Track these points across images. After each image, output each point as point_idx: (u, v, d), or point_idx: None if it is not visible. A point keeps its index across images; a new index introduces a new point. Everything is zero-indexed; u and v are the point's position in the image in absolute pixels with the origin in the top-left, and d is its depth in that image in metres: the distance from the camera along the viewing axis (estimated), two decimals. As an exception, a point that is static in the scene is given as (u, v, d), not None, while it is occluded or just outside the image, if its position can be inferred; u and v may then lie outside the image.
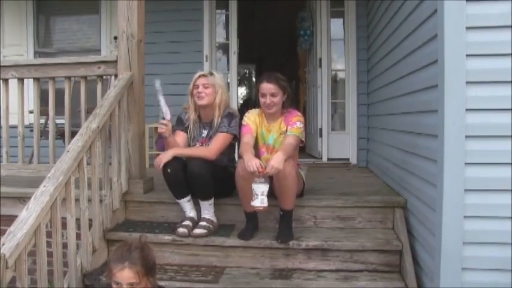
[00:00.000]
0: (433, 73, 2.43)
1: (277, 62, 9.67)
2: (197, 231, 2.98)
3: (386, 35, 3.93)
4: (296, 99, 7.97)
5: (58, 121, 3.78)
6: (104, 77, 3.72)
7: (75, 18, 6.12)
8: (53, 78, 3.57)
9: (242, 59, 6.08)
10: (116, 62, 3.41)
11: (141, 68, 3.44)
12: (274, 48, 9.96)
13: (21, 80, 3.65)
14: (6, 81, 3.66)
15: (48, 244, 2.36)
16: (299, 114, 3.12)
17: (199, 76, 3.20)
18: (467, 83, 2.22)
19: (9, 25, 6.06)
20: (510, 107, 2.19)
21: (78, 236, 2.74)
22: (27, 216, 2.19)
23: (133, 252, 1.98)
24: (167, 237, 3.02)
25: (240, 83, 13.29)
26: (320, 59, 5.55)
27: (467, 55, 2.22)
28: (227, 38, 5.81)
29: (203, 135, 3.26)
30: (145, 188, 3.46)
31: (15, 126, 3.64)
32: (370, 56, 5.08)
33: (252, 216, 3.01)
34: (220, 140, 3.14)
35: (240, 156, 2.98)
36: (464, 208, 2.25)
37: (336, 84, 5.72)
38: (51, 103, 3.59)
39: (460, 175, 2.24)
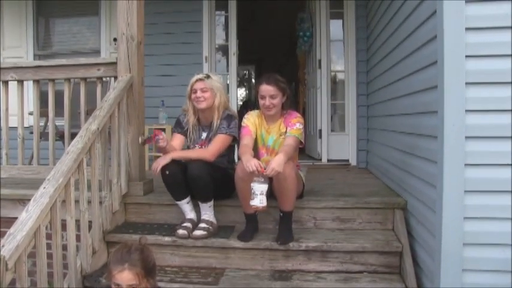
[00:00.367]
0: (433, 74, 2.43)
1: (277, 63, 9.68)
2: (197, 232, 2.98)
3: (386, 36, 3.93)
4: (295, 100, 7.97)
5: (58, 123, 3.78)
6: (104, 78, 3.73)
7: (75, 20, 6.12)
8: (53, 80, 3.57)
9: (242, 61, 6.09)
10: (115, 63, 3.42)
11: (140, 70, 3.44)
12: (274, 50, 9.96)
13: (20, 82, 3.65)
14: (6, 83, 3.66)
15: (48, 246, 2.35)
16: (299, 115, 3.12)
17: (196, 80, 3.19)
18: (466, 84, 2.22)
19: (9, 27, 6.07)
20: (510, 108, 2.20)
21: (78, 238, 2.74)
22: (27, 218, 2.19)
23: (133, 253, 1.98)
24: (167, 239, 3.02)
25: (240, 84, 13.30)
26: (319, 60, 5.56)
27: (466, 56, 2.22)
28: (227, 39, 5.81)
29: (202, 137, 3.26)
30: (145, 189, 3.46)
31: (15, 128, 3.64)
32: (369, 57, 5.08)
33: (252, 218, 3.01)
34: (219, 142, 3.14)
35: (239, 158, 2.98)
36: (464, 209, 2.25)
37: (336, 85, 5.72)
38: (51, 105, 3.59)
39: (460, 176, 2.24)
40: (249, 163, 2.68)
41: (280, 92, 3.03)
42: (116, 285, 1.95)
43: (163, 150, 3.11)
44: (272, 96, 3.01)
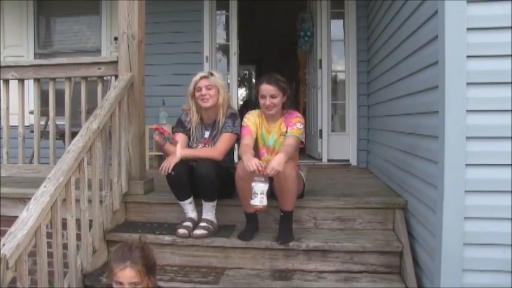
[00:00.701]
0: (434, 74, 2.43)
1: (277, 63, 9.67)
2: (197, 232, 2.98)
3: (387, 36, 3.93)
4: (296, 100, 7.97)
5: (58, 122, 3.78)
6: (104, 77, 3.73)
7: (76, 19, 6.13)
8: (54, 79, 3.57)
9: (242, 60, 6.08)
10: (116, 62, 3.42)
11: (141, 69, 3.44)
12: (274, 50, 9.96)
13: (21, 81, 3.64)
14: (6, 81, 3.66)
15: (49, 245, 2.36)
16: (299, 115, 3.12)
17: (201, 78, 3.17)
18: (467, 84, 2.22)
19: (9, 26, 6.07)
20: (510, 108, 2.20)
21: (79, 237, 2.74)
22: (28, 217, 2.19)
23: (135, 251, 1.98)
24: (167, 238, 3.02)
25: (240, 84, 13.28)
26: (320, 60, 5.56)
27: (467, 56, 2.22)
28: (227, 39, 5.81)
29: (205, 136, 3.26)
30: (146, 188, 3.46)
31: (15, 127, 3.64)
32: (370, 57, 5.08)
33: (252, 217, 3.01)
34: (226, 140, 3.13)
35: (239, 158, 2.98)
36: (464, 209, 2.25)
37: (336, 85, 5.72)
38: (52, 104, 3.59)
39: (461, 176, 2.25)
40: (250, 163, 2.68)
41: (280, 91, 3.03)
42: (117, 284, 1.95)
43: (167, 151, 3.09)
44: (272, 96, 3.01)
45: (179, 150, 3.04)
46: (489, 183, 2.25)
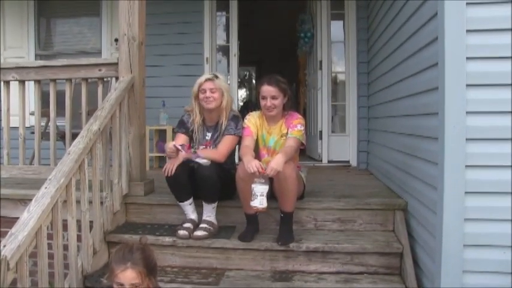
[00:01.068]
0: (434, 76, 2.43)
1: (277, 64, 9.68)
2: (198, 233, 2.99)
3: (387, 37, 3.94)
4: (296, 101, 7.98)
5: (59, 123, 3.78)
6: (105, 79, 3.73)
7: (76, 20, 6.13)
8: (54, 80, 3.57)
9: (242, 61, 6.09)
10: (116, 64, 3.42)
11: (142, 71, 3.44)
12: (274, 51, 9.97)
13: (22, 82, 3.65)
14: (7, 83, 3.67)
15: (49, 246, 2.36)
16: (300, 116, 3.13)
17: (206, 80, 3.17)
18: (467, 85, 2.23)
19: (10, 27, 6.07)
20: (510, 110, 2.20)
21: (79, 238, 2.74)
22: (29, 218, 2.19)
23: (135, 253, 1.98)
24: (168, 239, 3.02)
25: (240, 85, 13.30)
26: (320, 61, 5.57)
27: (467, 58, 2.23)
28: (227, 40, 5.82)
29: (207, 138, 3.26)
30: (146, 190, 3.47)
31: (16, 128, 3.64)
32: (370, 58, 5.09)
33: (253, 219, 3.02)
34: (228, 142, 3.14)
35: (240, 159, 2.98)
36: (464, 210, 2.26)
37: (336, 86, 5.73)
38: (52, 105, 3.59)
39: (461, 177, 2.25)
40: (250, 164, 2.68)
41: (281, 92, 3.04)
42: (118, 285, 1.95)
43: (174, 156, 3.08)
44: (273, 97, 3.02)
45: (182, 153, 3.04)
46: (489, 184, 2.25)
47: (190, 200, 3.10)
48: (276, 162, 2.70)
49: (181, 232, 2.99)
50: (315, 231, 3.16)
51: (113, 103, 3.09)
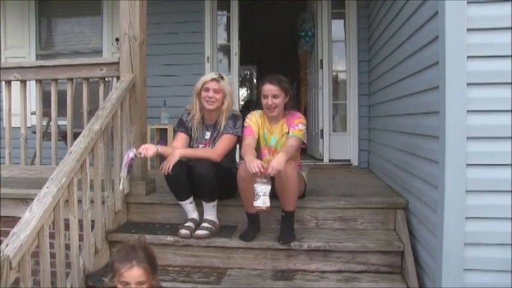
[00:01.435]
0: (434, 75, 2.43)
1: (278, 63, 9.67)
2: (199, 232, 2.99)
3: (387, 36, 3.94)
4: (297, 100, 7.97)
5: (60, 122, 3.79)
6: (106, 78, 3.74)
7: (77, 20, 6.13)
8: (55, 80, 3.58)
9: (243, 61, 6.08)
10: (117, 63, 3.43)
11: (143, 70, 3.45)
12: (275, 50, 9.96)
13: (23, 82, 3.66)
14: (8, 83, 3.68)
15: (51, 245, 2.37)
16: (301, 116, 3.13)
17: (212, 79, 3.16)
18: (468, 84, 2.23)
19: (11, 27, 6.08)
20: (511, 109, 2.20)
21: (81, 237, 2.75)
22: (31, 218, 2.20)
23: (138, 251, 1.99)
24: (169, 239, 3.03)
25: (241, 84, 13.29)
26: (321, 61, 5.56)
27: (468, 57, 2.23)
28: (228, 39, 5.82)
29: (206, 137, 3.26)
30: (147, 189, 3.47)
31: (17, 128, 3.65)
32: (371, 57, 5.09)
33: (254, 218, 3.02)
34: (225, 142, 3.14)
35: (241, 158, 2.99)
36: (465, 209, 2.26)
37: (337, 85, 5.72)
38: (54, 105, 3.60)
39: (461, 176, 2.25)
40: (252, 164, 2.69)
41: (282, 92, 3.04)
42: (123, 284, 1.95)
43: (165, 153, 3.09)
44: (275, 96, 3.02)
45: (177, 150, 3.05)
46: (490, 183, 2.26)
47: (191, 199, 3.11)
48: (278, 162, 2.71)
49: (183, 231, 3.00)
50: (316, 230, 3.16)
51: (114, 103, 3.09)
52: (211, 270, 2.95)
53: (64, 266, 2.51)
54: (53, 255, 2.40)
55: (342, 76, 5.70)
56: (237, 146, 3.33)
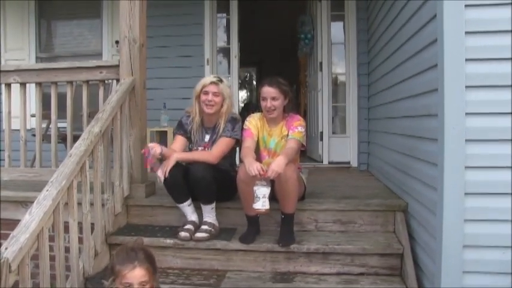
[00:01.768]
0: (433, 77, 2.44)
1: (278, 65, 9.68)
2: (199, 235, 2.99)
3: (387, 38, 3.94)
4: (297, 102, 7.97)
5: (60, 125, 3.79)
6: (106, 81, 3.74)
7: (77, 22, 6.15)
8: (55, 83, 3.59)
9: (243, 62, 6.10)
10: (117, 66, 3.43)
11: (142, 73, 3.45)
12: (275, 51, 9.97)
13: (23, 85, 3.67)
14: (8, 85, 3.68)
15: (51, 248, 2.37)
16: (300, 118, 3.13)
17: (211, 83, 3.16)
18: (466, 87, 2.24)
19: (11, 29, 6.09)
20: (510, 111, 2.21)
21: (81, 240, 2.75)
22: (30, 221, 2.20)
23: (139, 252, 2.00)
24: (169, 241, 3.03)
25: (241, 86, 13.31)
26: (320, 63, 5.57)
27: (466, 59, 2.23)
28: (228, 42, 5.83)
29: (205, 139, 3.27)
30: (147, 192, 3.47)
31: (17, 130, 3.65)
32: (370, 59, 5.10)
33: (254, 220, 3.02)
34: (222, 145, 3.14)
35: (241, 161, 2.99)
36: (464, 211, 2.26)
37: (337, 87, 5.73)
38: (53, 107, 3.61)
39: (460, 179, 2.26)
40: (252, 167, 2.69)
41: (282, 94, 3.05)
42: (125, 285, 1.95)
43: (164, 156, 3.10)
44: (274, 98, 3.02)
45: (175, 154, 3.05)
46: (489, 185, 2.26)
47: (189, 201, 3.11)
48: (277, 164, 2.71)
49: (183, 234, 3.00)
50: (316, 232, 3.17)
51: (114, 105, 3.10)
52: (210, 272, 2.95)
53: (64, 269, 2.51)
54: (52, 258, 2.40)
55: (341, 78, 5.70)
56: (237, 148, 3.33)
